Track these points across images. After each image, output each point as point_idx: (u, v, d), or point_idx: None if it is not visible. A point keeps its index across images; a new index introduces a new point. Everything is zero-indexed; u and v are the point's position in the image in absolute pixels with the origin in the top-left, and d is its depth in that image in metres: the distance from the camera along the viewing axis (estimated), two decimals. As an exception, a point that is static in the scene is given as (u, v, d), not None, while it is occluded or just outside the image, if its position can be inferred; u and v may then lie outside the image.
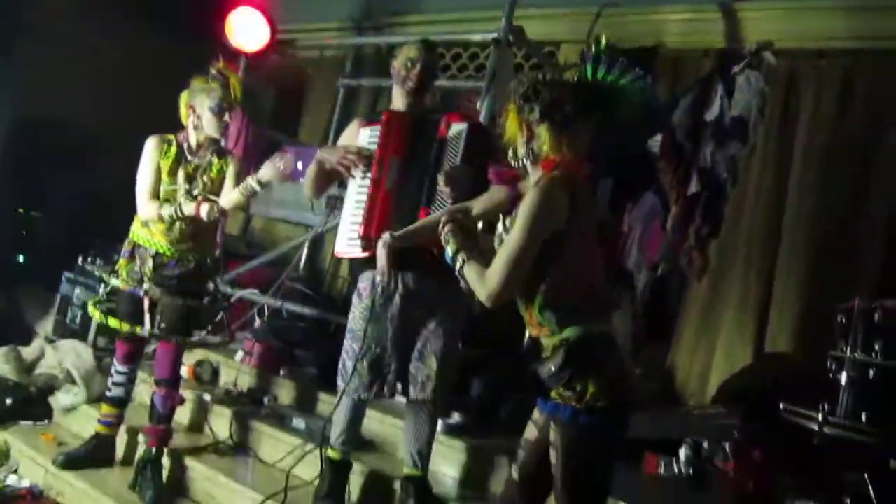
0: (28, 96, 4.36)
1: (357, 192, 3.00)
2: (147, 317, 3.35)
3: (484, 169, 2.72)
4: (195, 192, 3.32)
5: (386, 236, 2.44)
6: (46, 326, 4.81)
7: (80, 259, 4.68)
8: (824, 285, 3.85)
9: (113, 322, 3.40)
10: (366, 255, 2.89)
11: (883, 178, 3.84)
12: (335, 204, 4.03)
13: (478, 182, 2.75)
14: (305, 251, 5.21)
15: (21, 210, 5.27)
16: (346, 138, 3.18)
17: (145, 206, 3.34)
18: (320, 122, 5.87)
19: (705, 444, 2.85)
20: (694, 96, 4.09)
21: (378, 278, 2.55)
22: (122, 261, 3.43)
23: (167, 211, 3.28)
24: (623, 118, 2.16)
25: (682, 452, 2.82)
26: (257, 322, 4.52)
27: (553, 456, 2.04)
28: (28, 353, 4.43)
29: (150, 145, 3.37)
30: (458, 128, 2.95)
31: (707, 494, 2.78)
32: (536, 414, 2.22)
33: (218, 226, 3.56)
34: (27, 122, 4.52)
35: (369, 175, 2.97)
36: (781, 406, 3.07)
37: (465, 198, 2.70)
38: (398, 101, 3.13)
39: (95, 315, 3.49)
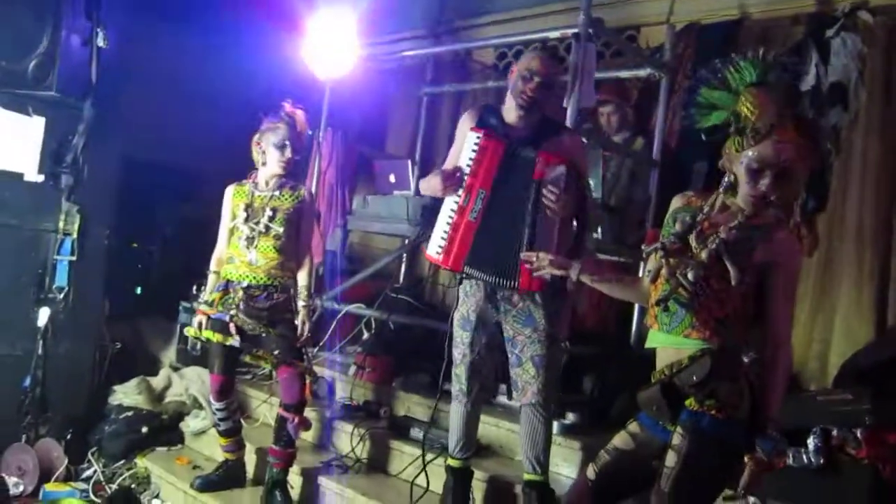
0: (135, 139, 4.60)
1: (451, 205, 2.96)
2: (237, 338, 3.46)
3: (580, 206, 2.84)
4: (254, 223, 3.47)
5: (575, 268, 2.34)
6: (170, 355, 5.04)
7: (193, 288, 4.92)
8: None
9: (207, 333, 3.48)
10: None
11: None
12: (429, 216, 4.07)
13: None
14: (405, 262, 5.31)
15: (135, 244, 5.56)
16: (459, 133, 3.10)
17: (217, 250, 3.62)
18: (406, 132, 5.95)
19: (835, 432, 2.75)
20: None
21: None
22: (216, 294, 3.53)
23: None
24: None
25: (811, 442, 2.73)
26: (365, 335, 4.64)
27: (671, 459, 2.03)
28: (156, 382, 4.67)
29: (226, 192, 3.61)
30: (558, 170, 2.80)
31: (841, 483, 2.68)
32: (636, 427, 2.23)
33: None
34: (135, 162, 4.78)
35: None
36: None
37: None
38: (510, 112, 3.00)
39: (190, 332, 3.60)
